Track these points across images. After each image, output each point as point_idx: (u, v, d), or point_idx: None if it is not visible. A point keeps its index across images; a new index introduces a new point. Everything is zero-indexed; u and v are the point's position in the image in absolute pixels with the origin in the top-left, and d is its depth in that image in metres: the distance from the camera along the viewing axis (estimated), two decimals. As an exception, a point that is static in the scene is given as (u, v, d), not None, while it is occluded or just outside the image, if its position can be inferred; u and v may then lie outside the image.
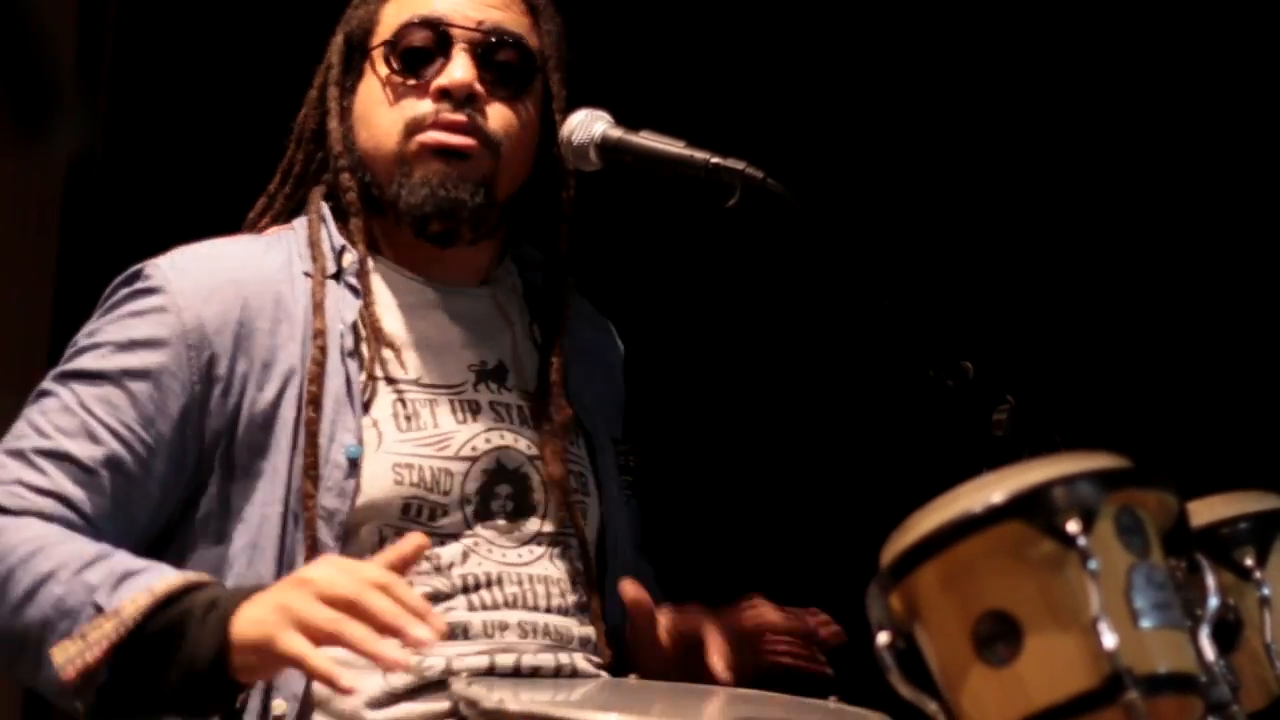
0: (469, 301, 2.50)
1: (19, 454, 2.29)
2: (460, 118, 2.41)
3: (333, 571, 2.09)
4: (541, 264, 2.56)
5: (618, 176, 2.46)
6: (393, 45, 2.45)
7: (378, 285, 2.44)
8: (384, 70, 2.45)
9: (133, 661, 2.12)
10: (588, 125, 2.42)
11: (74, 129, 3.76)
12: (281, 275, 2.40)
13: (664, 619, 2.48)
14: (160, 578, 2.16)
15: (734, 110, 3.78)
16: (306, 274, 2.41)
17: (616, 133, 2.42)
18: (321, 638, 2.04)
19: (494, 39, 2.45)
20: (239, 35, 3.79)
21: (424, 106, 2.42)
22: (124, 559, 2.20)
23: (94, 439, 2.29)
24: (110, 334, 2.35)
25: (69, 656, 2.13)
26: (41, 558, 2.19)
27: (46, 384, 2.35)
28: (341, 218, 2.47)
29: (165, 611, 2.12)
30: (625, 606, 2.43)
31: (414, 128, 2.42)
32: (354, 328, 2.39)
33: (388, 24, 2.47)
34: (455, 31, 2.43)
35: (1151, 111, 3.90)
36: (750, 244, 3.29)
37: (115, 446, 2.29)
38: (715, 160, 2.34)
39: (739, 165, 2.32)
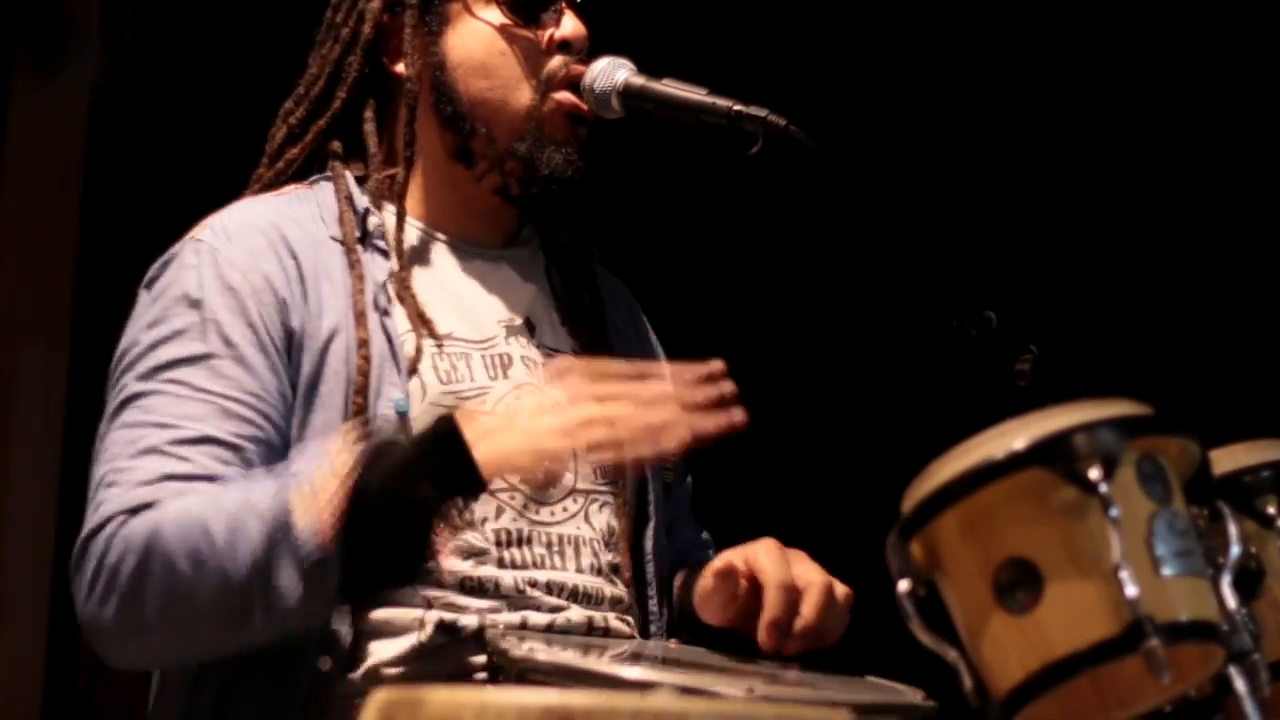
0: (494, 261, 2.49)
1: (151, 450, 2.22)
2: (584, 69, 2.42)
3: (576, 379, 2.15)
4: (565, 224, 2.57)
5: (638, 126, 2.45)
6: None
7: (406, 245, 2.43)
8: (497, 18, 2.43)
9: (363, 490, 2.10)
10: (610, 73, 2.42)
11: (93, 65, 3.75)
12: (316, 239, 2.38)
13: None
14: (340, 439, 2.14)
15: (757, 59, 3.77)
16: (334, 238, 2.39)
17: (639, 80, 2.41)
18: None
19: None
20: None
21: (554, 61, 2.42)
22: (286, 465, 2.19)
23: (227, 415, 2.24)
24: (185, 318, 2.30)
25: (310, 514, 2.09)
26: (226, 498, 2.15)
27: (134, 386, 2.27)
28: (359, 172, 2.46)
29: (373, 459, 2.11)
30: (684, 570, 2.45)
31: (548, 84, 2.41)
32: (384, 287, 2.38)
33: None
34: None
35: (1181, 60, 3.88)
36: (773, 193, 3.28)
37: (250, 415, 2.25)
38: (738, 107, 2.33)
39: (761, 113, 2.32)
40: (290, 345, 2.31)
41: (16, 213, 3.83)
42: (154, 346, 2.29)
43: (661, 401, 2.13)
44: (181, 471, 2.20)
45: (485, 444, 2.13)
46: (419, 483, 2.12)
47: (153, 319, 2.31)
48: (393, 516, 2.11)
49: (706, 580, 2.37)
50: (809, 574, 2.34)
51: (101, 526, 2.19)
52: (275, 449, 2.26)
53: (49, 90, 3.77)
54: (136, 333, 2.32)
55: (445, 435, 2.14)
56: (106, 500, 2.20)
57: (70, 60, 3.76)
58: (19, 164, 3.82)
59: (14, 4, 3.74)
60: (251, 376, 2.27)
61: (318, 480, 2.11)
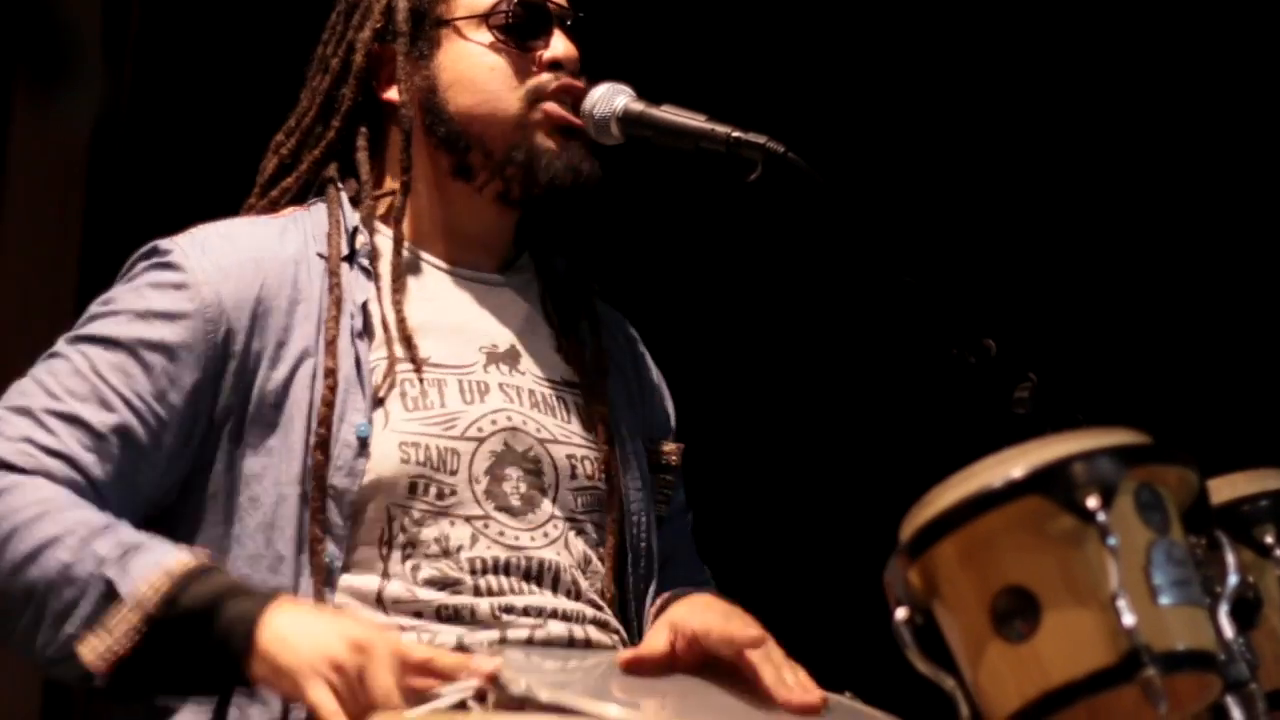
0: (484, 286, 2.50)
1: (26, 411, 2.28)
2: (579, 83, 2.45)
3: (386, 661, 2.08)
4: (562, 253, 2.57)
5: (638, 153, 2.46)
6: (486, 17, 2.46)
7: (393, 267, 2.44)
8: (487, 39, 2.46)
9: (152, 645, 2.14)
10: (609, 98, 2.43)
11: (95, 91, 3.76)
12: (299, 256, 2.40)
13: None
14: (173, 556, 2.17)
15: (756, 85, 3.78)
16: (320, 255, 2.41)
17: (638, 106, 2.42)
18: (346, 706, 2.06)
19: (580, 15, 2.50)
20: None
21: (544, 76, 2.45)
22: (129, 531, 2.21)
23: (106, 405, 2.29)
24: (128, 302, 2.35)
25: (98, 651, 2.14)
26: (48, 521, 2.20)
27: (58, 346, 2.35)
28: (355, 196, 2.47)
29: (181, 596, 2.13)
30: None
31: (535, 95, 2.44)
32: (364, 309, 2.39)
33: None
34: (551, 7, 2.48)
35: (1178, 82, 3.89)
36: (772, 219, 3.28)
37: (127, 415, 2.29)
38: (737, 134, 2.34)
39: (760, 139, 2.32)
40: (225, 370, 2.32)
41: (17, 237, 3.84)
42: (92, 318, 2.36)
43: None
44: (44, 443, 2.25)
45: (270, 654, 2.11)
46: (192, 660, 2.15)
47: (107, 296, 2.38)
48: (161, 668, 2.15)
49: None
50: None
51: None
52: (145, 454, 2.29)
53: (50, 115, 3.78)
54: (94, 303, 2.39)
55: (241, 629, 2.13)
56: None
57: (72, 86, 3.77)
58: (20, 189, 3.83)
59: (16, 30, 3.75)
60: (148, 380, 2.30)
61: (126, 609, 2.13)
